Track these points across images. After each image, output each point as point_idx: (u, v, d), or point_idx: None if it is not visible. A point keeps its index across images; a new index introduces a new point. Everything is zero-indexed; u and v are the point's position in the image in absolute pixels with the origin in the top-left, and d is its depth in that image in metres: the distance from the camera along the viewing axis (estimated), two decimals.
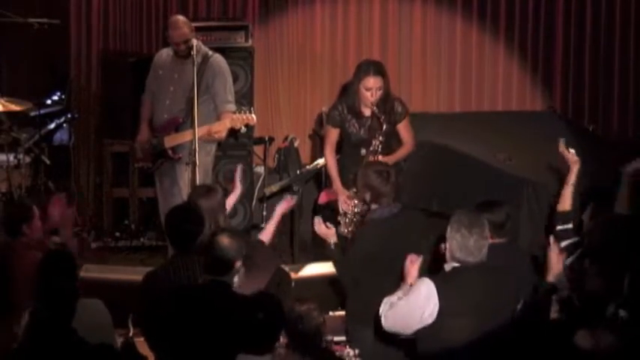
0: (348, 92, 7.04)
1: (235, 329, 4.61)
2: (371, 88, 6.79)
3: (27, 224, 5.89)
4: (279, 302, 4.75)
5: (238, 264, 4.89)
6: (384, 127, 6.77)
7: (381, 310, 5.03)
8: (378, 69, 6.87)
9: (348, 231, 6.65)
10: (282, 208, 6.20)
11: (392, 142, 6.96)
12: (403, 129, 7.00)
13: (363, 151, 6.85)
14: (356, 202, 6.63)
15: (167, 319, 4.78)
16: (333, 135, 7.05)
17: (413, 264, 5.13)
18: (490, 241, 5.45)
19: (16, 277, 5.65)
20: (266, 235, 6.08)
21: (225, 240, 4.85)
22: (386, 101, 6.86)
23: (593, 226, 5.30)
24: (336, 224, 6.74)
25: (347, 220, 6.68)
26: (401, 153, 7.00)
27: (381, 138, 6.79)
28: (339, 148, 7.13)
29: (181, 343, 4.72)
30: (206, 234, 5.45)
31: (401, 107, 6.97)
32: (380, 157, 6.76)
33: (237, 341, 4.60)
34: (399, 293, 5.02)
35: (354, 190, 6.71)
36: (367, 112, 6.88)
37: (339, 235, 6.70)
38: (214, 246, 4.85)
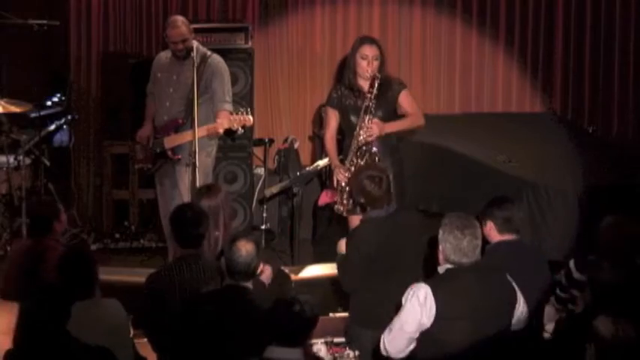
0: (345, 68, 6.98)
1: (263, 329, 4.57)
2: (367, 56, 6.75)
3: (56, 221, 5.97)
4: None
5: (259, 269, 4.95)
6: (377, 83, 6.68)
7: (382, 340, 4.96)
8: (374, 40, 6.91)
9: (344, 208, 6.70)
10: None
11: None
12: (405, 102, 6.87)
13: (354, 119, 6.76)
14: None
15: (192, 323, 4.79)
16: (332, 117, 6.94)
17: None
18: (499, 237, 5.47)
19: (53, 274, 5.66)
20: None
21: (247, 246, 4.84)
22: (381, 72, 6.77)
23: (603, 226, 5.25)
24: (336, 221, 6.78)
25: (344, 196, 6.68)
26: (404, 122, 6.86)
27: (375, 91, 6.68)
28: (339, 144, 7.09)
29: (201, 347, 4.74)
30: (211, 234, 5.48)
31: (397, 83, 6.90)
32: (376, 120, 6.67)
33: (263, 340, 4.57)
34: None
35: (351, 160, 6.70)
36: (364, 85, 6.82)
37: (335, 213, 6.78)
38: (237, 253, 4.83)
